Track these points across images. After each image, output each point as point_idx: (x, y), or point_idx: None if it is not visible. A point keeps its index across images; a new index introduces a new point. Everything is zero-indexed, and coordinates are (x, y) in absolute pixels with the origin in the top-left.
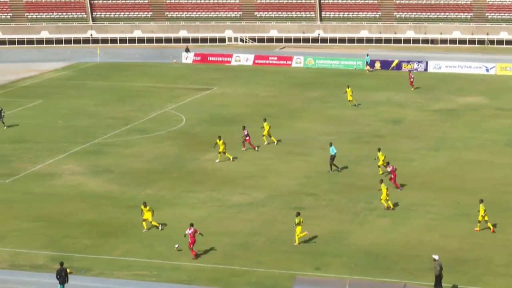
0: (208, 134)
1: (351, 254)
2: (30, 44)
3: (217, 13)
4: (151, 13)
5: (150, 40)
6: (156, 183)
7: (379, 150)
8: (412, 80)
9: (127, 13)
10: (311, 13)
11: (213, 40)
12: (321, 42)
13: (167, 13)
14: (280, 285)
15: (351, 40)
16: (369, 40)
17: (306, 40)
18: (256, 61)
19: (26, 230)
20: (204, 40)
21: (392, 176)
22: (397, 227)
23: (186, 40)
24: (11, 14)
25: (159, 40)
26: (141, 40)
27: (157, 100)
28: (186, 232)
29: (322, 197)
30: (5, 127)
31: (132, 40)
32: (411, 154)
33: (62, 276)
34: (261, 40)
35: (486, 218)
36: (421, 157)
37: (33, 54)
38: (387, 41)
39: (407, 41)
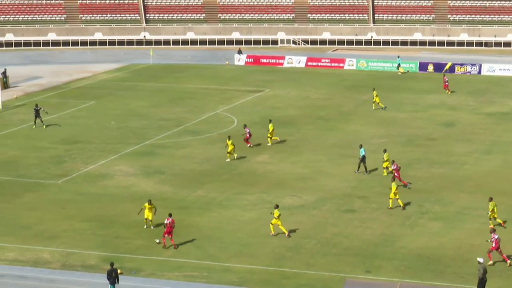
0: (260, 136)
1: (402, 257)
2: (83, 46)
3: (270, 15)
4: (204, 15)
5: (202, 42)
6: (206, 185)
7: (384, 151)
8: (447, 83)
9: (180, 15)
10: (364, 15)
11: (265, 42)
12: (374, 45)
13: (220, 15)
14: (330, 287)
15: (404, 43)
16: (422, 43)
17: (358, 43)
18: (309, 64)
19: (78, 230)
20: (256, 42)
21: (396, 174)
22: (449, 230)
23: (238, 42)
24: (65, 15)
25: (211, 42)
26: (193, 42)
27: (209, 102)
28: (165, 222)
29: (373, 199)
30: (44, 126)
31: (184, 42)
32: (464, 158)
33: (113, 277)
34: (313, 42)
35: (495, 215)
36: (474, 161)
37: (87, 56)
38: (440, 43)
39: (460, 43)
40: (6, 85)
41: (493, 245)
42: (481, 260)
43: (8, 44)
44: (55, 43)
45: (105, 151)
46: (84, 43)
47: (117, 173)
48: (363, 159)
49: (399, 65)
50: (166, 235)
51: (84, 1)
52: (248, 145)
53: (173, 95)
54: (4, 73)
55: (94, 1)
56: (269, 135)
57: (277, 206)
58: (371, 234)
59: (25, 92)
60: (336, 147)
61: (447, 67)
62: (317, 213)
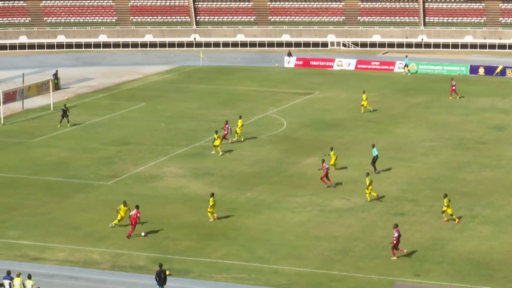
0: (309, 139)
1: (451, 261)
2: (134, 48)
3: (320, 17)
4: (254, 17)
5: (252, 44)
6: (256, 187)
7: (331, 149)
8: (454, 88)
9: (231, 17)
10: (415, 18)
11: (315, 44)
12: (424, 47)
13: (270, 17)
14: None
15: (455, 46)
16: (473, 46)
17: (409, 45)
18: (358, 66)
19: (127, 231)
20: (306, 44)
21: (324, 173)
22: (499, 234)
23: (288, 44)
24: (116, 17)
25: (261, 44)
26: (243, 44)
27: (259, 104)
28: (130, 214)
29: (423, 203)
30: (69, 125)
31: (234, 44)
32: None
33: (161, 278)
34: (363, 45)
35: (449, 211)
36: None
37: (137, 57)
38: (492, 46)
39: None
40: (57, 87)
41: (394, 241)
42: None
43: (60, 45)
44: (106, 45)
45: (155, 152)
46: (134, 45)
47: (166, 174)
48: (374, 159)
49: (406, 65)
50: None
51: (135, 3)
52: (228, 141)
53: (223, 97)
54: (56, 74)
55: (145, 3)
56: (238, 130)
57: (212, 195)
58: (421, 238)
59: (76, 93)
60: (386, 150)
61: (498, 70)
62: (366, 216)
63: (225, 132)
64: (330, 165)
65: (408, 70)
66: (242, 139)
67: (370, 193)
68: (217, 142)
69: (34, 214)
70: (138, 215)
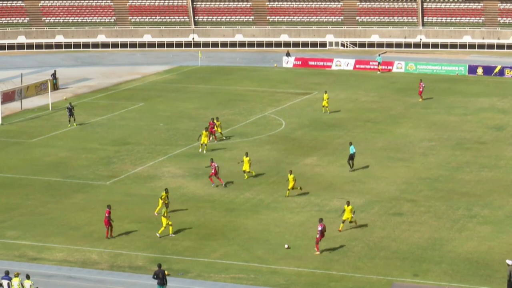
0: (308, 139)
1: (450, 261)
2: (133, 48)
3: (319, 17)
4: (252, 17)
5: (251, 44)
6: (255, 187)
7: (246, 154)
8: (422, 90)
9: (229, 17)
10: (413, 18)
11: (314, 44)
12: (423, 47)
13: (269, 17)
14: None
15: (453, 46)
16: (472, 46)
17: (407, 45)
18: (357, 66)
19: (126, 231)
20: (305, 44)
21: (212, 172)
22: (498, 234)
23: (287, 44)
24: (115, 17)
25: (260, 44)
26: (242, 44)
27: (258, 104)
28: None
29: (422, 203)
30: (75, 124)
31: (233, 44)
32: None
33: (160, 278)
34: (362, 45)
35: (350, 218)
36: None
37: (136, 57)
38: (490, 46)
39: (510, 46)
40: (56, 87)
41: (318, 236)
42: (510, 262)
43: (58, 45)
44: (105, 45)
45: (154, 152)
46: (133, 45)
47: (165, 174)
48: (351, 156)
49: (379, 63)
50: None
51: (134, 3)
52: (215, 141)
53: (222, 97)
54: (54, 74)
55: (143, 3)
56: (219, 130)
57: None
58: (419, 238)
59: (74, 93)
60: (385, 150)
61: (496, 70)
62: (365, 216)
63: (213, 130)
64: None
65: (380, 68)
66: (224, 138)
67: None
68: (204, 141)
69: (33, 214)
70: (107, 215)
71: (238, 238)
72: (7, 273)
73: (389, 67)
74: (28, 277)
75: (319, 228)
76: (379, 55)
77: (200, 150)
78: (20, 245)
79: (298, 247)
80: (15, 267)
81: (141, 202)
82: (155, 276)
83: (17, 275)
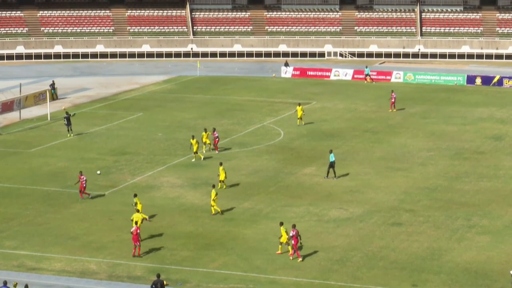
0: (307, 149)
1: (449, 271)
2: (131, 58)
3: (317, 27)
4: (251, 27)
5: (249, 54)
6: (253, 197)
7: (221, 164)
8: (393, 100)
9: (228, 27)
10: (412, 28)
11: (312, 54)
12: (421, 57)
13: (267, 27)
14: None
15: (452, 56)
16: (470, 56)
17: (406, 55)
18: (355, 76)
19: (125, 241)
20: (303, 54)
21: (81, 186)
22: (497, 244)
23: (285, 54)
24: (113, 27)
25: (258, 54)
26: (240, 54)
27: (256, 114)
28: (131, 230)
29: (421, 213)
30: (71, 135)
31: (231, 54)
32: None
33: None
34: (360, 55)
35: (284, 240)
36: None
37: (135, 67)
38: (489, 56)
39: (509, 56)
40: (54, 97)
41: (293, 242)
42: None
43: (57, 56)
44: (103, 55)
45: (152, 162)
46: (132, 55)
47: (164, 184)
48: (332, 164)
49: (367, 75)
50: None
51: (132, 13)
52: (216, 151)
53: (220, 107)
54: (53, 84)
55: (142, 13)
56: (207, 141)
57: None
58: (418, 248)
59: (73, 103)
60: (384, 160)
61: (495, 80)
62: (363, 226)
63: (217, 140)
64: (219, 180)
65: (368, 80)
66: (210, 149)
67: (214, 206)
68: (195, 148)
69: (31, 224)
70: (138, 231)
71: (236, 248)
72: (5, 283)
73: (388, 77)
74: (26, 287)
75: (291, 233)
76: (366, 67)
77: (197, 159)
78: (19, 255)
79: (297, 257)
80: (14, 277)
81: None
82: (153, 286)
83: (15, 285)
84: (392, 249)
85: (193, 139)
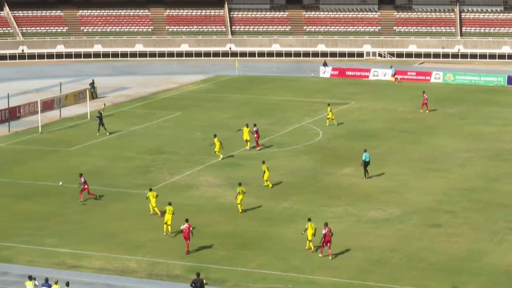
0: (345, 149)
1: (489, 273)
2: (170, 57)
3: (356, 27)
4: (289, 27)
5: (288, 54)
6: (291, 197)
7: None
8: (425, 101)
9: (266, 27)
10: (452, 28)
11: (351, 54)
12: (461, 58)
13: (306, 27)
14: None
15: (492, 56)
16: (511, 56)
17: (445, 56)
18: (394, 76)
19: (164, 240)
20: (342, 54)
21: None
22: None
23: (324, 54)
24: (152, 27)
25: (297, 54)
26: (279, 54)
27: (294, 114)
28: (181, 228)
29: (460, 214)
30: (107, 133)
31: (270, 54)
32: None
33: (198, 287)
34: (399, 55)
35: (310, 238)
36: None
37: (173, 67)
38: None
39: None
40: (94, 96)
41: (324, 239)
42: None
43: (96, 55)
44: (142, 54)
45: (191, 161)
46: (170, 54)
47: (202, 183)
48: (366, 163)
49: (393, 75)
50: (187, 241)
51: (171, 13)
52: (258, 148)
53: (258, 106)
54: (92, 83)
55: (180, 13)
56: (216, 149)
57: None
58: (458, 249)
59: (112, 102)
60: (421, 161)
61: None
62: (402, 227)
63: (257, 135)
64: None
65: (393, 79)
66: (221, 157)
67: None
68: (217, 147)
69: (70, 222)
70: (190, 228)
71: (274, 247)
72: (46, 280)
73: (427, 78)
74: (68, 284)
75: (323, 231)
76: (391, 67)
77: (220, 158)
78: (59, 253)
79: (335, 257)
80: (55, 274)
81: (178, 211)
82: (193, 285)
83: (56, 282)
84: (431, 251)
85: (215, 137)
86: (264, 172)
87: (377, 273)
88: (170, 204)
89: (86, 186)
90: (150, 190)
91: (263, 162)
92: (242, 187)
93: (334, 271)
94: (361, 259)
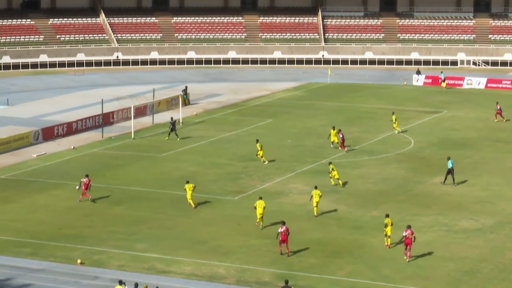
0: (437, 158)
1: None
2: (263, 64)
3: (450, 35)
4: (383, 34)
5: (381, 62)
6: (382, 205)
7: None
8: (499, 111)
9: (359, 34)
10: None
11: (444, 62)
12: None
13: (399, 35)
14: None
15: None
16: None
17: None
18: (489, 85)
19: (253, 246)
20: (435, 62)
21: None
22: None
23: (417, 62)
24: (245, 34)
25: (390, 62)
26: (371, 62)
27: (386, 122)
28: (279, 230)
29: None
30: (178, 139)
31: (363, 62)
32: None
33: None
34: (494, 63)
35: (389, 233)
36: None
37: (266, 74)
38: None
39: None
40: (186, 102)
41: (404, 241)
42: None
43: (190, 61)
44: (235, 61)
45: (281, 169)
46: (263, 61)
47: (292, 191)
48: (450, 171)
49: (443, 80)
50: (282, 243)
51: (264, 20)
52: (344, 150)
53: (350, 114)
54: (185, 90)
55: (274, 20)
56: (259, 154)
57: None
58: None
59: (204, 109)
60: None
61: None
62: (494, 238)
63: (343, 140)
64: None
65: (444, 85)
66: (266, 162)
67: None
68: (260, 153)
69: (161, 227)
70: (287, 231)
71: (364, 256)
72: (136, 285)
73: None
74: None
75: (404, 234)
76: (441, 72)
77: (265, 163)
78: (149, 258)
79: (425, 267)
80: (144, 279)
81: (268, 217)
82: None
83: None
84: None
85: (257, 143)
86: (332, 171)
87: (468, 283)
88: (261, 198)
89: (86, 184)
90: (187, 182)
91: (330, 163)
92: (318, 190)
93: (425, 281)
94: (452, 269)
